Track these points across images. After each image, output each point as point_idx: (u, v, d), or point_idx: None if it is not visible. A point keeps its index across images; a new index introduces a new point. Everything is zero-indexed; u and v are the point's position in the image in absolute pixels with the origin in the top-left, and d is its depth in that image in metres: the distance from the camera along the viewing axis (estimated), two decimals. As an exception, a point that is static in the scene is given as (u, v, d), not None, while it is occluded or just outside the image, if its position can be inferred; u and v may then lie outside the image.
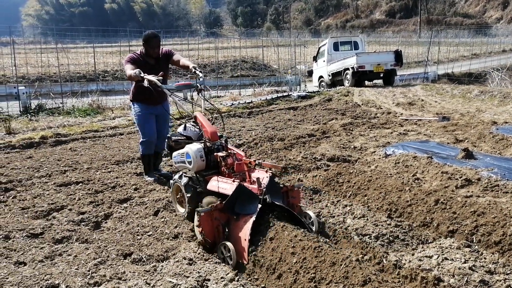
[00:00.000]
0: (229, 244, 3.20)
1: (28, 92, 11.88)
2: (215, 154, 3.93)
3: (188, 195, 3.93)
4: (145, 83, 4.37)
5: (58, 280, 2.88)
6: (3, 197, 4.74)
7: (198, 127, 4.39)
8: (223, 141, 4.06)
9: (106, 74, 19.00)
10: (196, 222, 3.41)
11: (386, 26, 62.01)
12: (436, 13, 60.86)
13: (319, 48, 19.55)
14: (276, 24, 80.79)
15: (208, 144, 4.00)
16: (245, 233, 3.18)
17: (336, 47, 18.57)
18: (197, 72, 4.70)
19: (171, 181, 4.29)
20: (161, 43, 5.17)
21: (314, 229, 3.55)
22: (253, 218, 3.19)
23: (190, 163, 3.95)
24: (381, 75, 16.94)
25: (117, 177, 5.47)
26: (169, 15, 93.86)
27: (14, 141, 7.57)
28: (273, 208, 3.45)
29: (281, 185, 3.75)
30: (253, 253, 3.08)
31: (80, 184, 5.20)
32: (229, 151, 3.97)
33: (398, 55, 16.53)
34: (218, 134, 4.08)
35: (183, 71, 17.54)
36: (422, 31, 50.68)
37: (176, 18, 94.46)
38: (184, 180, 3.99)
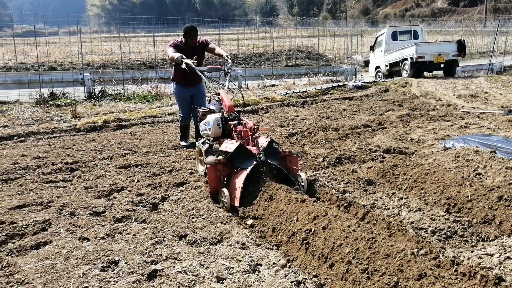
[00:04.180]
0: (225, 190, 3.95)
1: (92, 78, 12.48)
2: (229, 123, 4.69)
3: (205, 147, 4.68)
4: (183, 65, 5.32)
5: (118, 257, 3.02)
6: (69, 177, 5.04)
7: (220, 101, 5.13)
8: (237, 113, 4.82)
9: (165, 62, 19.49)
10: None
11: (449, 15, 59.02)
12: (504, 0, 57.07)
13: (377, 38, 18.99)
14: (333, 13, 79.22)
15: (225, 114, 4.82)
16: (239, 182, 3.90)
17: (394, 36, 17.95)
18: (228, 59, 5.62)
19: (196, 146, 5.11)
20: (198, 34, 6.13)
21: (304, 189, 4.16)
22: (247, 171, 3.91)
23: (210, 130, 4.81)
24: (442, 66, 16.20)
25: (174, 162, 5.65)
26: (226, 4, 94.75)
27: (79, 125, 8.02)
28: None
29: (280, 150, 4.42)
30: (305, 241, 3.08)
31: (139, 167, 5.42)
32: (240, 120, 4.66)
33: (460, 45, 15.71)
34: (236, 109, 4.85)
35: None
36: (488, 20, 47.79)
37: (233, 8, 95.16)
38: (203, 142, 4.78)
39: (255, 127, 4.46)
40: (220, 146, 4.68)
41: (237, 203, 3.85)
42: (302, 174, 4.31)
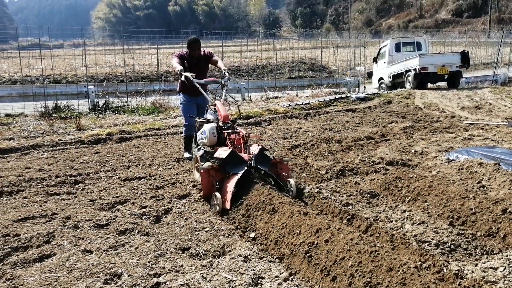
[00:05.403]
0: (217, 193, 4.20)
1: (96, 91, 12.60)
2: (223, 131, 4.94)
3: (200, 153, 4.96)
4: (182, 78, 5.71)
5: (121, 269, 3.02)
6: (73, 189, 5.06)
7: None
8: (232, 123, 5.06)
9: (168, 75, 19.64)
10: None
11: (452, 26, 59.21)
12: (508, 11, 57.22)
13: (380, 49, 19.08)
14: (336, 25, 79.67)
15: (220, 124, 5.07)
16: (231, 186, 4.15)
17: (397, 48, 18.03)
18: (225, 73, 5.99)
19: (193, 154, 5.39)
20: (201, 45, 6.43)
21: (292, 194, 4.35)
22: (238, 176, 4.17)
23: (206, 138, 5.03)
24: (446, 77, 16.22)
25: (177, 174, 5.66)
26: (229, 16, 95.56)
27: (83, 137, 8.06)
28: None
29: (271, 158, 4.67)
30: (308, 254, 3.07)
31: (143, 179, 5.43)
32: (234, 129, 4.90)
33: (464, 56, 15.74)
34: (231, 119, 5.08)
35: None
36: (492, 31, 47.92)
37: (236, 20, 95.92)
38: (198, 150, 5.07)
39: (247, 135, 4.67)
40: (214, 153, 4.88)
41: (228, 206, 4.09)
42: (291, 180, 4.50)
